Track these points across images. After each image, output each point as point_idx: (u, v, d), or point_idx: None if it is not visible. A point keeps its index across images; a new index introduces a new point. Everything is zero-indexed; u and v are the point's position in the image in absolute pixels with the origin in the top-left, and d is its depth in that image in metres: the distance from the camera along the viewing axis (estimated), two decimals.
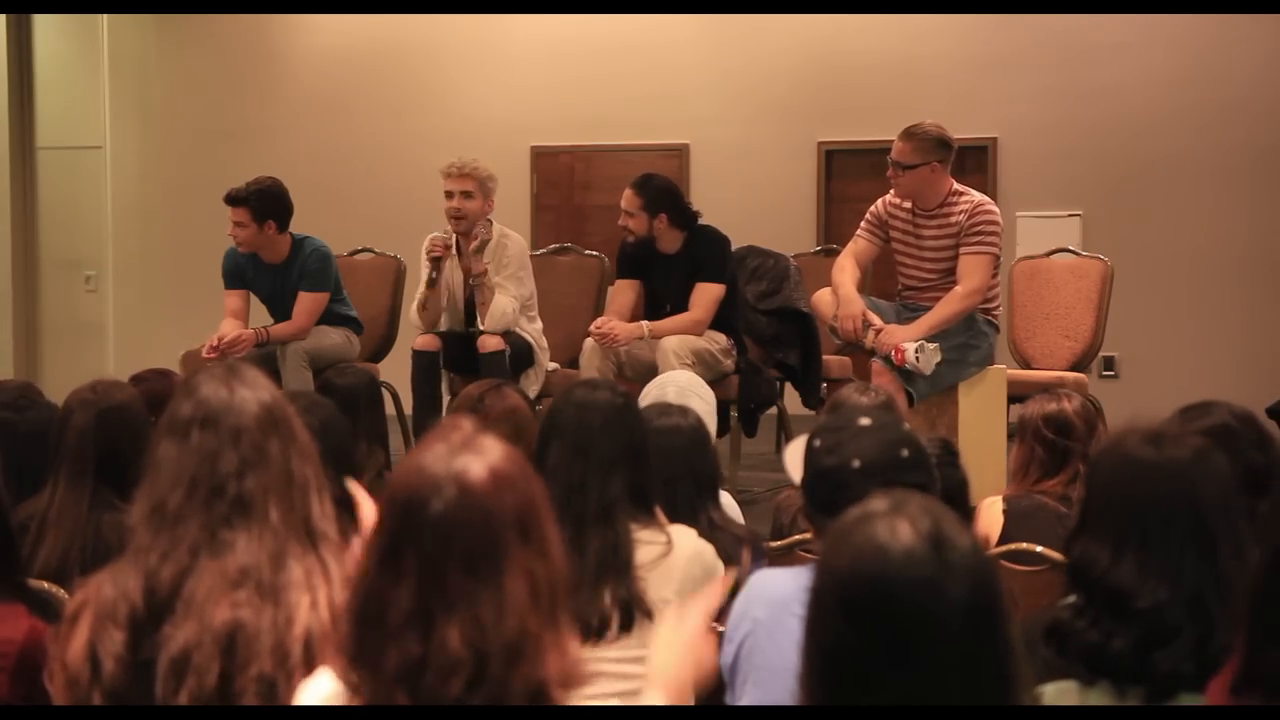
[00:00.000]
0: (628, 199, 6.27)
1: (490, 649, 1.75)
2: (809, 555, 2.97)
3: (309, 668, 2.07)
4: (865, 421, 2.52)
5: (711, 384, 6.15)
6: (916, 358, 5.49)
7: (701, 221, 6.35)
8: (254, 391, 2.28)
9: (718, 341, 6.25)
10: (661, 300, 6.33)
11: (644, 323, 6.21)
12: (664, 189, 6.30)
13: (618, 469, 2.84)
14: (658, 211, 6.22)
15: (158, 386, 4.00)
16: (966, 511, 3.25)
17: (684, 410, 3.45)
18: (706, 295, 6.24)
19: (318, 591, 2.18)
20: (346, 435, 3.11)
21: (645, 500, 2.91)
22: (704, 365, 6.08)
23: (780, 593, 2.46)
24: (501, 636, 1.75)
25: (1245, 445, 2.91)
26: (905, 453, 2.47)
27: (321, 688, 1.88)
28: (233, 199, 6.45)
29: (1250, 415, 3.05)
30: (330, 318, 6.61)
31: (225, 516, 2.20)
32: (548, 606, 1.80)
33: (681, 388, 4.30)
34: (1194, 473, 2.33)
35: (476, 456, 1.81)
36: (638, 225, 6.24)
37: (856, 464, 2.43)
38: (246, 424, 2.25)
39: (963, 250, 5.72)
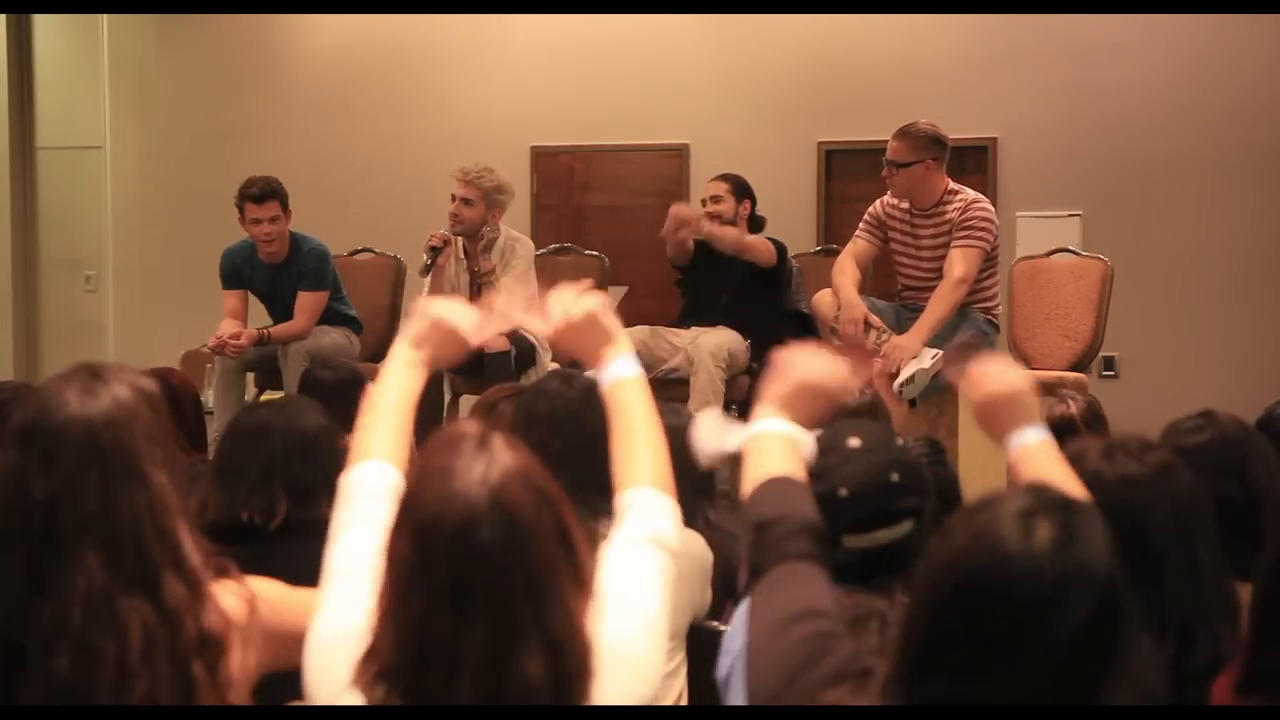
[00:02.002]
0: (714, 186, 6.70)
1: (569, 669, 1.71)
2: None
3: None
4: (855, 443, 2.38)
5: (724, 384, 6.32)
6: (900, 390, 5.57)
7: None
8: (85, 407, 1.91)
9: (743, 342, 6.39)
10: (709, 301, 6.48)
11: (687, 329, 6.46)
12: (747, 183, 6.72)
13: (567, 461, 2.81)
14: (743, 198, 6.62)
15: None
16: (957, 506, 3.22)
17: (676, 410, 3.45)
18: (765, 245, 6.46)
19: (155, 648, 1.87)
20: (327, 448, 3.01)
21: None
22: (735, 367, 6.25)
23: None
24: (575, 653, 1.72)
25: (1218, 473, 2.59)
26: (896, 477, 2.34)
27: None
28: (263, 194, 6.36)
29: (1238, 438, 2.74)
30: (330, 317, 6.61)
31: (38, 555, 1.86)
32: (588, 603, 1.78)
33: None
34: (1149, 490, 2.24)
35: (498, 468, 1.76)
36: (727, 208, 6.57)
37: (844, 493, 2.32)
38: (61, 449, 1.88)
39: (953, 244, 5.72)
